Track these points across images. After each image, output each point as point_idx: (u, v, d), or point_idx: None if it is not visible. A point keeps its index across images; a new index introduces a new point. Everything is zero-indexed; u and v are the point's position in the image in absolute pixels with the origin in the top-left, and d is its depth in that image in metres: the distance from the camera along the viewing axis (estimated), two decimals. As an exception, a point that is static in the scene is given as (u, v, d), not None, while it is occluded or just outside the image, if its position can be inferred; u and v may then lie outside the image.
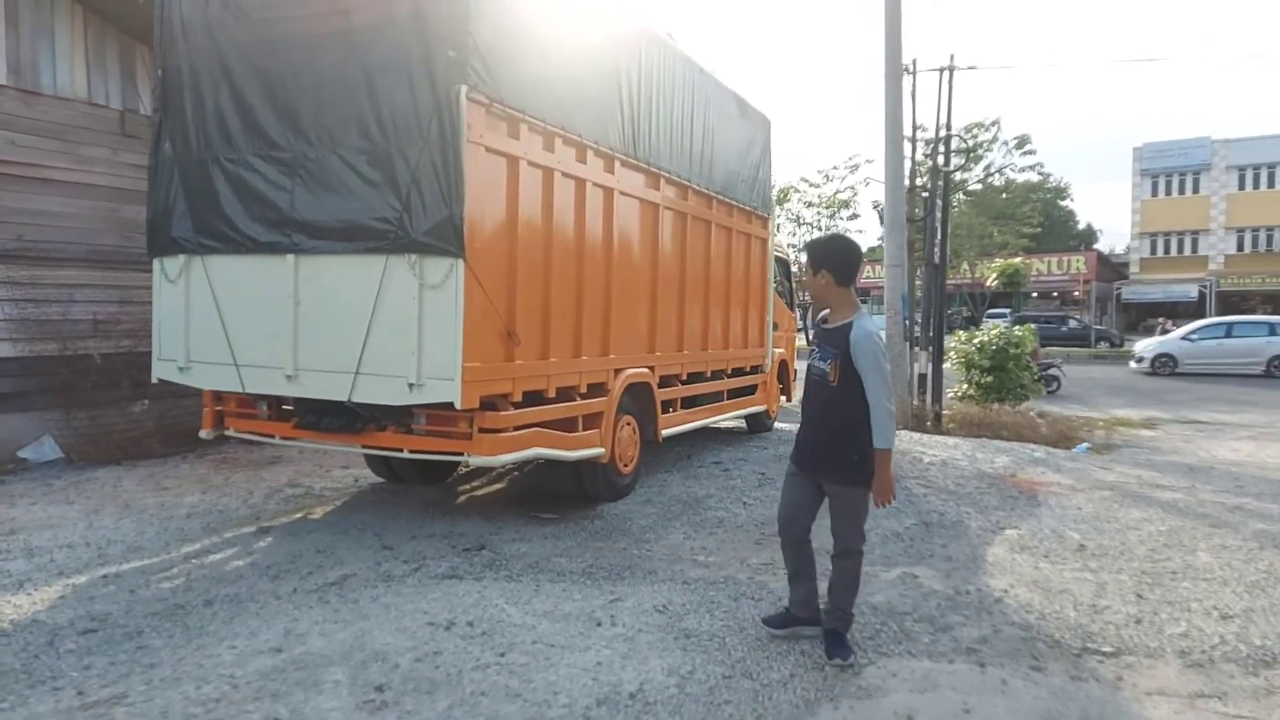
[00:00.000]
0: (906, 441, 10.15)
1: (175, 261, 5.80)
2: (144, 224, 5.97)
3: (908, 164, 14.02)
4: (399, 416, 5.57)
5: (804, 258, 4.16)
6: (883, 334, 4.27)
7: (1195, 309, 47.34)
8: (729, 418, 9.55)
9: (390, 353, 5.11)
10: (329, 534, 5.85)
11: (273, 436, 6.03)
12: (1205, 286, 46.35)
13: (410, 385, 5.06)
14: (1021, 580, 5.10)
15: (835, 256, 3.90)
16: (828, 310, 3.96)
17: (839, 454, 3.81)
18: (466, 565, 5.19)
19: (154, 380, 6.00)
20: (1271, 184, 46.49)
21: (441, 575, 4.98)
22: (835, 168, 35.89)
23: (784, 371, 11.07)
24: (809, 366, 3.96)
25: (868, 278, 56.62)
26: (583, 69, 6.06)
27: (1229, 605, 4.73)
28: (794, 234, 35.86)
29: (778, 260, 10.71)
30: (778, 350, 10.61)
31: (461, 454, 5.38)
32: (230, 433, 6.20)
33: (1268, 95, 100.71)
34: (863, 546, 3.97)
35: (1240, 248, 47.27)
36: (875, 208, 34.78)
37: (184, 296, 5.78)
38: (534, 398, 5.75)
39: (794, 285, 11.93)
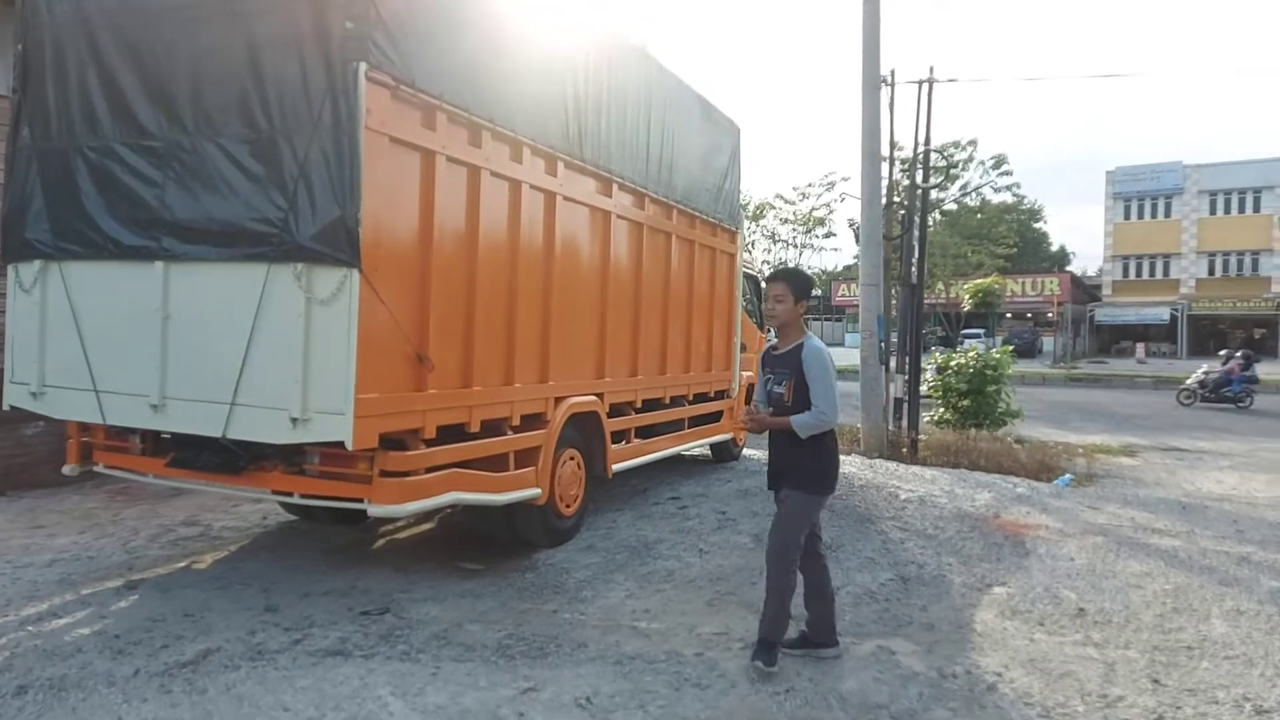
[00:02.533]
0: (882, 474, 9.44)
1: (30, 268, 4.91)
2: None
3: (885, 180, 13.39)
4: (288, 454, 4.73)
5: (773, 284, 4.24)
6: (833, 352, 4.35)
7: (1167, 332, 47.38)
8: (691, 447, 8.75)
9: (271, 381, 4.27)
10: (207, 590, 4.97)
11: (145, 474, 5.14)
12: (1177, 310, 46.48)
13: (294, 420, 4.21)
14: (1017, 659, 4.33)
15: (808, 286, 4.26)
16: (773, 343, 4.29)
17: (799, 462, 4.07)
18: (359, 636, 4.34)
19: (4, 407, 5.09)
20: (1242, 209, 46.82)
21: (324, 651, 4.12)
22: (811, 185, 35.47)
23: (752, 396, 10.30)
24: (764, 393, 4.24)
25: (842, 295, 56.48)
26: (518, 55, 5.27)
27: (1260, 695, 3.99)
28: (769, 251, 35.29)
29: (747, 277, 9.98)
30: (746, 374, 9.84)
31: (361, 500, 4.53)
32: (99, 468, 5.30)
33: (1245, 117, 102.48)
34: (795, 556, 4.05)
35: (1211, 272, 47.49)
36: (851, 226, 34.21)
37: (39, 309, 4.89)
38: (454, 432, 4.93)
39: (762, 303, 11.19)
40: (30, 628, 4.32)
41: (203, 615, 4.57)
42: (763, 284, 11.67)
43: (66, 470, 5.26)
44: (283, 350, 4.23)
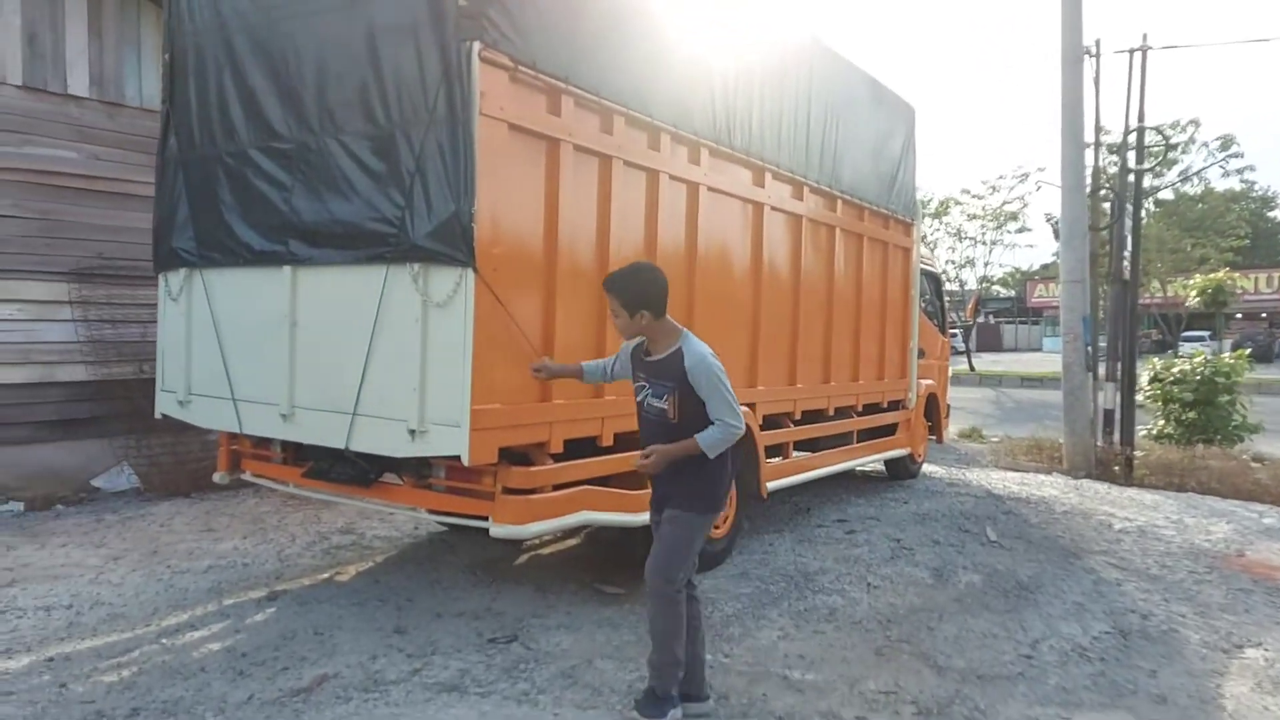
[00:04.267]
0: (1090, 498, 8.21)
1: (177, 276, 4.97)
2: None
3: (1089, 166, 11.87)
4: (416, 468, 4.48)
5: (617, 297, 3.47)
6: (714, 356, 3.48)
7: None
8: (860, 464, 7.94)
9: (391, 391, 4.02)
10: (343, 606, 4.81)
11: (286, 483, 5.08)
12: None
13: (411, 433, 3.93)
14: (1287, 754, 3.34)
15: (649, 291, 3.44)
16: (644, 341, 3.55)
17: (686, 479, 3.42)
18: (481, 668, 3.98)
19: (157, 415, 5.19)
20: None
21: (440, 685, 3.79)
22: (1002, 177, 33.01)
23: (933, 407, 9.31)
24: (639, 405, 3.55)
25: (1039, 296, 52.13)
26: (655, 33, 4.80)
27: None
28: (954, 249, 33.13)
29: (926, 274, 9.02)
30: (925, 381, 8.90)
31: (485, 519, 4.20)
32: (247, 476, 5.31)
33: None
34: (680, 586, 3.43)
35: None
36: (1049, 220, 31.55)
37: (185, 318, 4.94)
38: (585, 447, 4.51)
39: (945, 303, 10.12)
40: (165, 640, 4.28)
41: (332, 634, 4.38)
42: (944, 282, 10.62)
43: (216, 478, 5.31)
44: (401, 358, 3.97)
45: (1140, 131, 12.17)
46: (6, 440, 7.60)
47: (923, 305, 8.87)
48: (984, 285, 34.22)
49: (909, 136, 8.04)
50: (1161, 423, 12.52)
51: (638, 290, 3.42)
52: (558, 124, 4.19)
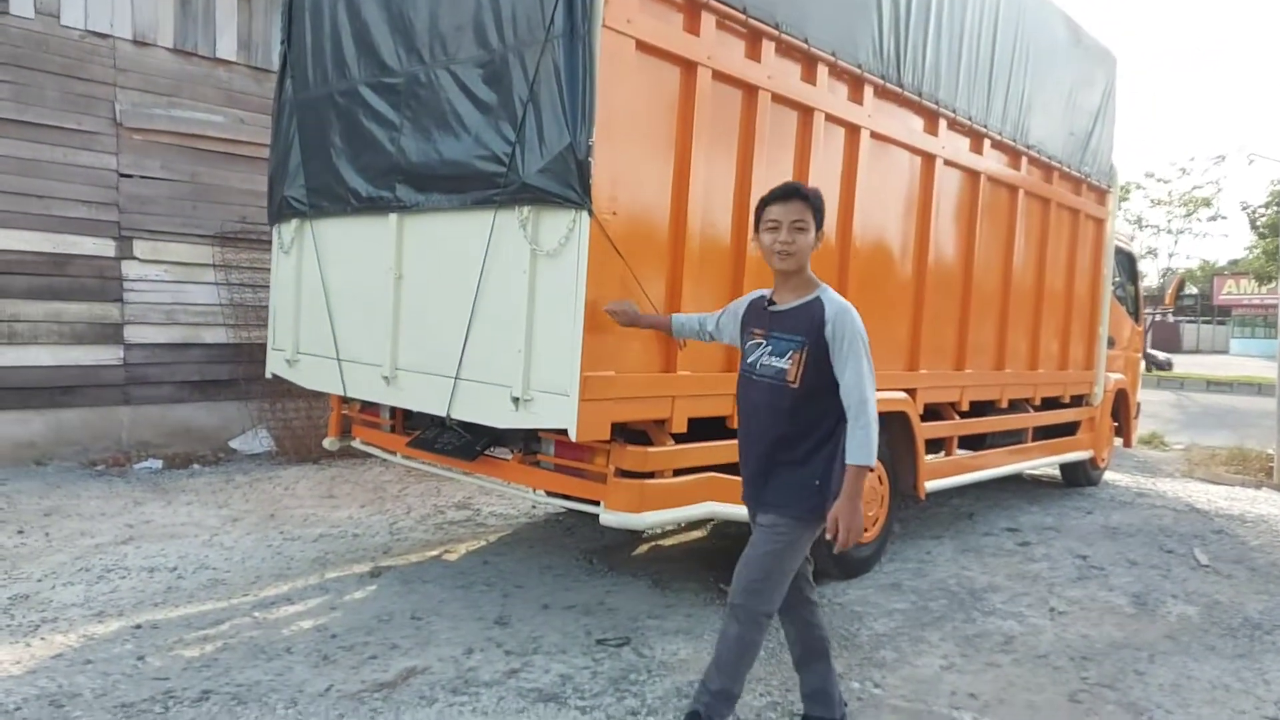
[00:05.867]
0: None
1: (289, 228, 4.69)
2: None
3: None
4: (526, 441, 4.00)
5: (780, 204, 2.78)
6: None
7: None
8: (1034, 466, 6.92)
9: (495, 352, 3.53)
10: (447, 588, 4.41)
11: (394, 454, 4.72)
12: None
13: (515, 400, 3.42)
14: None
15: (822, 208, 2.83)
16: (762, 294, 2.94)
17: (788, 476, 2.78)
18: (586, 675, 3.44)
19: (268, 375, 4.95)
20: None
21: (538, 692, 3.28)
22: (1193, 159, 29.72)
23: (1121, 405, 8.09)
24: (748, 367, 2.88)
25: (1228, 293, 46.88)
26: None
27: None
28: (1132, 239, 30.16)
29: (1119, 253, 7.80)
30: (1113, 375, 7.72)
31: (597, 504, 3.65)
32: (356, 444, 5.00)
33: None
34: (773, 610, 2.79)
35: None
36: (1245, 209, 28.10)
37: (295, 271, 4.65)
38: (711, 427, 3.88)
39: (1139, 287, 8.80)
40: (258, 613, 3.99)
41: (429, 620, 3.98)
42: (1138, 264, 9.27)
43: (326, 444, 5.04)
44: (506, 316, 3.47)
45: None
46: (150, 398, 7.77)
47: (1114, 288, 7.68)
48: (1169, 274, 30.91)
49: (1109, 88, 6.90)
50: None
51: (822, 205, 2.82)
52: (695, 45, 3.55)
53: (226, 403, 8.15)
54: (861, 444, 2.64)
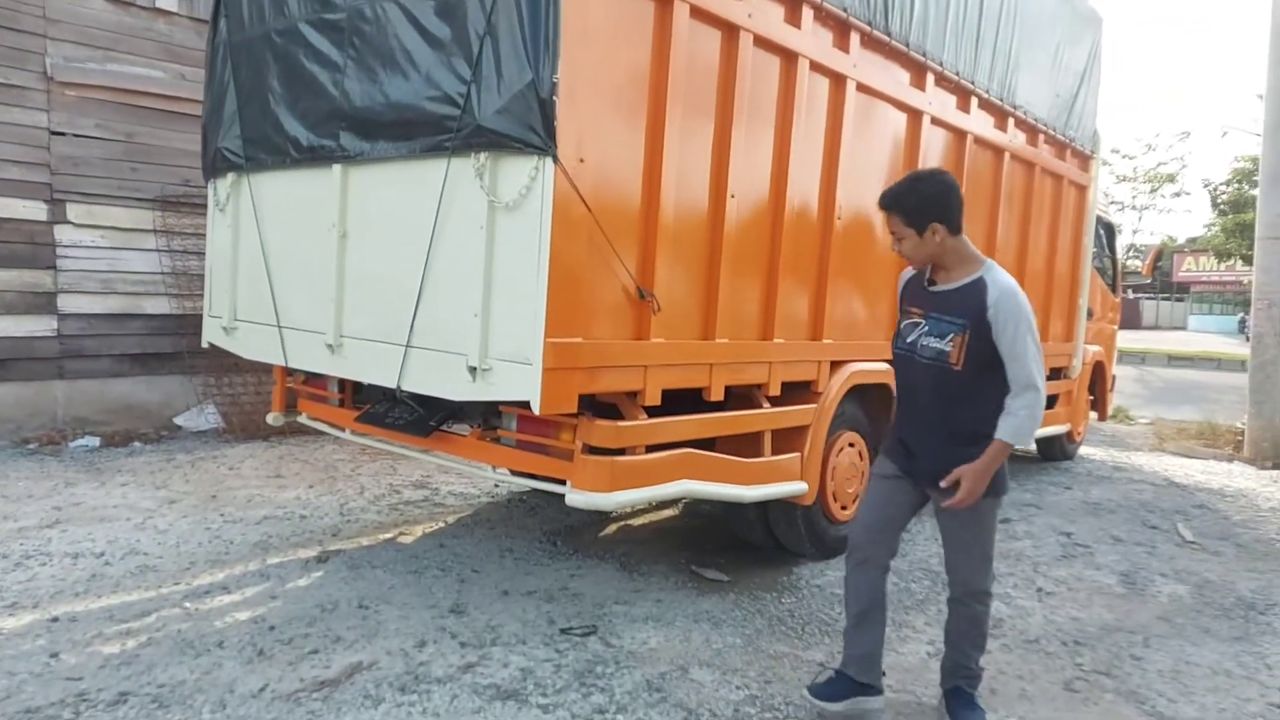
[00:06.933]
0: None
1: (225, 183, 4.29)
2: None
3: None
4: (485, 415, 3.68)
5: (898, 212, 2.73)
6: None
7: None
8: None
9: (449, 317, 3.20)
10: (399, 574, 4.10)
11: (343, 429, 4.38)
12: None
13: (472, 370, 3.10)
14: None
15: (942, 199, 2.71)
16: (922, 272, 2.85)
17: (960, 455, 2.68)
18: (548, 669, 3.16)
19: (204, 344, 4.57)
20: None
21: (495, 689, 2.99)
22: (1158, 135, 29.90)
23: (1098, 378, 7.96)
24: (908, 346, 2.82)
25: (1187, 270, 47.53)
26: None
27: None
28: (1108, 208, 30.28)
29: (1099, 222, 7.61)
30: (1091, 348, 7.57)
31: (563, 483, 3.35)
32: (303, 419, 4.65)
33: None
34: (993, 586, 2.93)
35: None
36: (1207, 186, 28.36)
37: (232, 230, 4.26)
38: (686, 400, 3.59)
39: (1118, 260, 8.65)
40: (189, 604, 3.65)
41: (378, 608, 3.66)
42: (1118, 232, 9.11)
43: (270, 419, 4.67)
44: (461, 276, 3.13)
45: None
46: (87, 372, 7.29)
47: (1093, 258, 7.50)
48: (1133, 251, 31.18)
49: (1094, 50, 6.66)
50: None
51: (924, 198, 2.70)
52: (669, -22, 3.22)
53: (170, 377, 7.69)
54: (1016, 425, 2.63)
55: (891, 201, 2.74)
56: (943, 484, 2.67)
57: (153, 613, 3.54)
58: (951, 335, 2.67)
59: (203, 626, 3.41)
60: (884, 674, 3.00)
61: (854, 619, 2.95)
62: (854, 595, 2.96)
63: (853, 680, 2.90)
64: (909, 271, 2.94)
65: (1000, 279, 2.68)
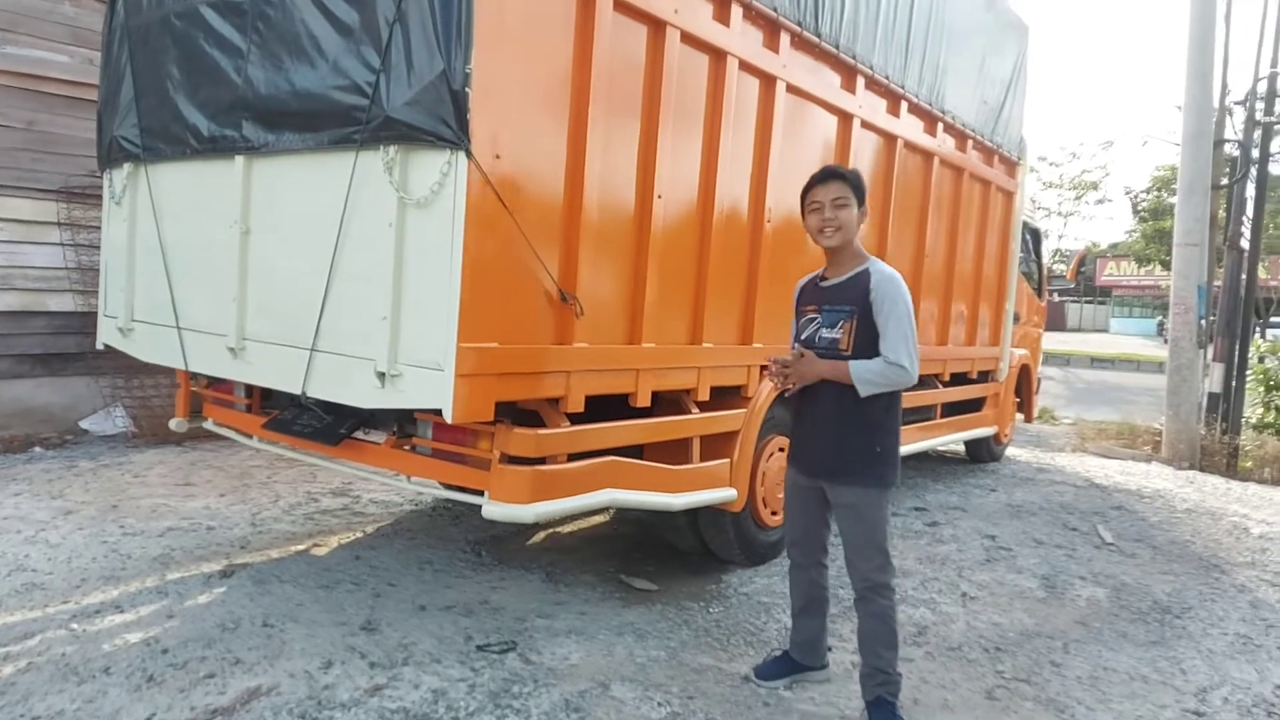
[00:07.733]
0: (1212, 494, 6.99)
1: (121, 174, 4.02)
2: None
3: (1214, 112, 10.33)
4: (399, 422, 3.51)
5: (823, 186, 2.92)
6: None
7: None
8: (943, 443, 6.81)
9: (356, 320, 3.03)
10: (309, 588, 3.89)
11: (250, 436, 4.15)
12: None
13: (381, 376, 2.94)
14: None
15: (862, 186, 2.96)
16: (815, 275, 3.08)
17: (854, 446, 2.87)
18: (461, 690, 3.01)
19: (99, 346, 4.29)
20: None
21: (402, 714, 2.82)
22: (1083, 143, 30.95)
23: (1025, 380, 8.11)
24: (804, 342, 2.97)
25: (1109, 275, 49.29)
26: None
27: None
28: (1034, 214, 31.19)
29: (1025, 227, 7.75)
30: (1018, 351, 7.70)
31: (481, 494, 3.20)
32: (209, 425, 4.39)
33: None
34: (894, 580, 2.96)
35: None
36: (1128, 194, 29.50)
37: (129, 224, 4.00)
38: (610, 406, 3.48)
39: (1043, 265, 8.82)
40: (76, 625, 3.39)
41: (284, 627, 3.46)
42: (1044, 238, 9.31)
43: (173, 424, 4.41)
44: (369, 277, 2.97)
45: (1273, 78, 10.59)
46: (-19, 373, 6.86)
47: (1019, 262, 7.63)
48: (1059, 255, 32.22)
49: (1020, 59, 6.76)
50: (1262, 411, 11.09)
51: (860, 180, 2.95)
52: (592, -29, 3.10)
53: (75, 378, 7.28)
54: (868, 372, 2.76)
55: (839, 172, 2.92)
56: (787, 358, 2.87)
57: (35, 635, 3.28)
58: (841, 322, 2.85)
59: (90, 650, 3.17)
60: (830, 649, 3.30)
61: (796, 611, 3.22)
62: (794, 591, 3.20)
63: (796, 661, 3.19)
64: (803, 280, 3.13)
65: (883, 269, 2.89)
